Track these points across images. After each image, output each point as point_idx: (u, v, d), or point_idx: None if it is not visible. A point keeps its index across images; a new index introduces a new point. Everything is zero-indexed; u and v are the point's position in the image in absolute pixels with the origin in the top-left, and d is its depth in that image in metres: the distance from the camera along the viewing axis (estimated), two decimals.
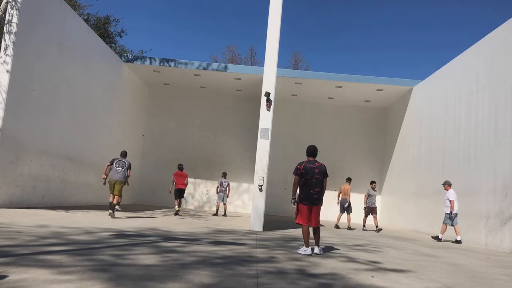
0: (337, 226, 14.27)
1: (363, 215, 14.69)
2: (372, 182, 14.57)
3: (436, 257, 7.56)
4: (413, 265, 6.27)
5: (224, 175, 16.27)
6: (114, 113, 17.19)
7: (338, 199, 14.54)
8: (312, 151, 6.86)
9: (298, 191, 6.73)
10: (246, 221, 12.79)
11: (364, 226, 14.51)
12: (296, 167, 6.69)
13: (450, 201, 11.69)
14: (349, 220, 14.26)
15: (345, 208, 14.22)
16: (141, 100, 20.49)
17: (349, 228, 13.91)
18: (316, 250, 6.63)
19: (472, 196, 11.73)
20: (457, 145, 12.98)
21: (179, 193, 14.53)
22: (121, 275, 3.88)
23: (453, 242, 11.62)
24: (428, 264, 6.53)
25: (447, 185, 12.22)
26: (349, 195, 14.49)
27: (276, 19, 10.96)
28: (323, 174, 6.72)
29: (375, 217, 14.31)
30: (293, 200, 6.78)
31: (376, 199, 14.64)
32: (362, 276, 4.89)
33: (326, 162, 21.04)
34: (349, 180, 14.81)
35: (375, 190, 14.48)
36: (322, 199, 6.72)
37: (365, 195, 14.45)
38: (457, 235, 11.55)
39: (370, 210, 14.33)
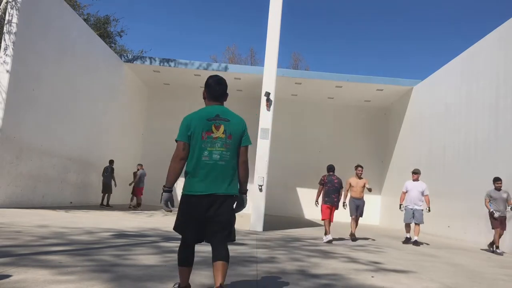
0: (352, 235, 9.98)
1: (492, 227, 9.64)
2: (496, 180, 9.66)
3: (436, 257, 7.56)
4: (414, 265, 6.27)
5: None
6: (114, 113, 17.18)
7: (345, 197, 9.98)
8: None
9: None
10: (246, 221, 12.78)
11: (495, 244, 9.51)
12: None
13: (427, 196, 10.24)
14: (353, 226, 10.14)
15: (356, 209, 9.99)
16: (141, 100, 20.47)
17: (352, 237, 9.94)
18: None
19: (472, 196, 11.71)
20: (457, 145, 12.98)
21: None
22: (121, 275, 3.88)
23: (411, 243, 10.02)
24: (428, 264, 6.53)
25: (418, 174, 10.51)
26: (364, 188, 10.11)
27: (276, 19, 10.96)
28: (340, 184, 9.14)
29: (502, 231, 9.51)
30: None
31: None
32: (362, 276, 4.89)
33: (326, 162, 21.00)
34: (359, 168, 10.06)
35: (499, 190, 9.58)
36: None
37: (486, 198, 9.74)
38: (409, 233, 10.32)
39: (499, 220, 9.44)
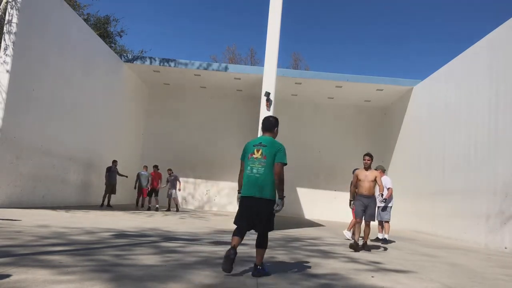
0: (355, 245, 7.49)
1: None
2: None
3: (436, 257, 7.56)
4: (414, 265, 6.27)
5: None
6: (114, 113, 17.17)
7: (352, 194, 8.31)
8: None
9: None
10: None
11: None
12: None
13: (389, 189, 9.73)
14: (366, 234, 8.11)
15: (365, 211, 7.84)
16: (141, 100, 20.47)
17: (355, 247, 7.45)
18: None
19: (472, 196, 11.72)
20: (457, 145, 12.98)
21: (153, 192, 16.33)
22: (121, 275, 3.88)
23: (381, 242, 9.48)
24: (428, 264, 6.53)
25: (381, 170, 9.90)
26: (381, 186, 8.06)
27: (276, 19, 10.95)
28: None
29: None
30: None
31: None
32: (362, 276, 4.89)
33: (326, 162, 20.97)
34: (366, 157, 7.91)
35: None
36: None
37: None
38: (386, 233, 9.76)
39: None
